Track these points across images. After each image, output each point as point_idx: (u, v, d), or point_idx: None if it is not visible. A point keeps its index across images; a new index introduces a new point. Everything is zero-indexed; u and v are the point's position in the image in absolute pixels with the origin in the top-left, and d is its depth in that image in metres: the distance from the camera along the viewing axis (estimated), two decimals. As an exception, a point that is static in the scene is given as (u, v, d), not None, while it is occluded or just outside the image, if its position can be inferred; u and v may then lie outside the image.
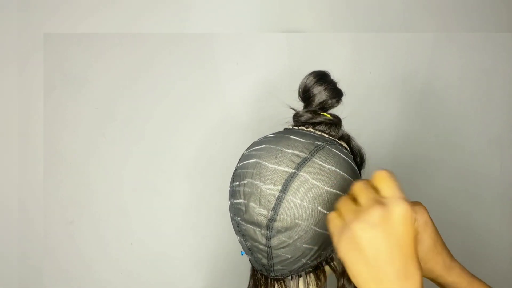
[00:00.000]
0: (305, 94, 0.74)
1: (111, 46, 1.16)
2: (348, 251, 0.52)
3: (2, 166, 1.15)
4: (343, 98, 0.75)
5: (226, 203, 1.12)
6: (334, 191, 0.63)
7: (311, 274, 0.69)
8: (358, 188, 0.55)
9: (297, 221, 0.62)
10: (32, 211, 1.16)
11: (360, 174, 0.74)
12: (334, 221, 0.56)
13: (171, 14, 1.17)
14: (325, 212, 0.63)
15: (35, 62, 1.15)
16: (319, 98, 0.72)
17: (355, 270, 0.52)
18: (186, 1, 1.17)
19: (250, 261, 0.74)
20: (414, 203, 0.66)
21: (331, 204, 0.63)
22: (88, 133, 1.17)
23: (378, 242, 0.50)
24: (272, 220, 0.62)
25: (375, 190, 0.55)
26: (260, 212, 0.63)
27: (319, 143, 0.67)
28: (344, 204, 0.56)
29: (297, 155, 0.64)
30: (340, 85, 0.75)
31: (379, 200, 0.52)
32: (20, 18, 1.13)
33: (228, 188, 0.73)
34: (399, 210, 0.51)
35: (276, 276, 0.68)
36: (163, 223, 1.20)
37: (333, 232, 0.55)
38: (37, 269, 1.17)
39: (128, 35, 1.16)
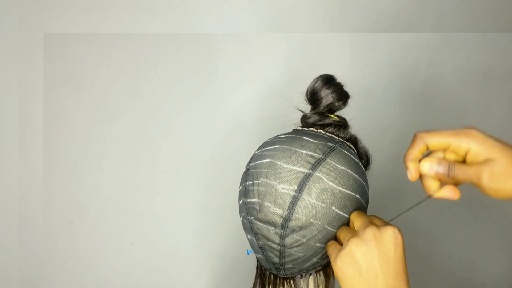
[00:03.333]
0: (313, 97, 0.75)
1: (111, 46, 1.16)
2: (344, 266, 0.59)
3: (2, 166, 1.15)
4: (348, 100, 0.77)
5: (227, 203, 1.13)
6: (347, 191, 0.65)
7: (321, 272, 0.70)
8: (355, 215, 0.64)
9: (311, 220, 0.63)
10: (32, 211, 1.16)
11: None
12: (332, 246, 0.63)
13: (171, 14, 1.17)
14: (338, 211, 0.64)
15: (35, 62, 1.14)
16: (326, 100, 0.74)
17: (349, 283, 0.59)
18: (186, 1, 1.18)
19: (259, 260, 0.74)
20: (464, 134, 0.59)
21: (344, 204, 0.65)
22: (88, 133, 1.17)
23: (371, 257, 0.58)
24: (287, 219, 0.63)
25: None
26: (275, 211, 0.64)
27: (331, 144, 0.68)
28: (342, 230, 0.64)
29: (311, 156, 0.65)
30: (345, 88, 0.77)
31: (371, 222, 0.60)
32: (20, 18, 1.13)
33: (234, 188, 0.74)
34: (389, 231, 0.59)
35: (286, 274, 0.69)
36: (163, 223, 1.21)
37: (331, 254, 0.62)
38: (37, 269, 1.16)
39: (128, 35, 1.16)
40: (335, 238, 0.66)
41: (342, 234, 0.63)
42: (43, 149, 1.15)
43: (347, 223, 0.66)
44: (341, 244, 0.63)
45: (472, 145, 0.59)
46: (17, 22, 1.13)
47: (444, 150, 0.62)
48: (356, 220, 0.63)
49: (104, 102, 1.17)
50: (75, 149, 1.17)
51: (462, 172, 0.59)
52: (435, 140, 0.61)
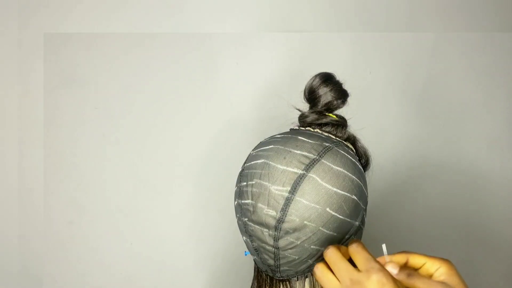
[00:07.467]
0: (311, 95, 0.74)
1: (111, 46, 1.16)
2: None
3: (2, 166, 1.15)
4: (348, 99, 0.76)
5: (226, 203, 1.12)
6: (342, 192, 0.64)
7: None
8: (332, 261, 0.60)
9: (305, 222, 0.62)
10: (32, 211, 1.16)
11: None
12: (325, 276, 0.60)
13: (171, 14, 1.17)
14: (333, 213, 0.63)
15: (35, 62, 1.14)
16: (324, 99, 0.73)
17: None
18: (187, 1, 1.17)
19: (255, 261, 0.74)
20: (440, 259, 0.62)
21: (339, 206, 0.64)
22: (88, 133, 1.17)
23: None
24: (280, 221, 0.62)
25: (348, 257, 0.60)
26: (269, 213, 0.63)
27: (327, 144, 0.67)
28: (327, 281, 0.60)
29: (305, 156, 0.64)
30: (344, 86, 0.76)
31: (353, 278, 0.56)
32: (20, 18, 1.13)
33: (233, 188, 0.73)
34: (372, 281, 0.54)
35: (282, 277, 0.69)
36: (163, 223, 1.20)
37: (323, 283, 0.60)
38: (37, 269, 1.16)
39: (128, 35, 1.16)
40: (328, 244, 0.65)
41: (326, 284, 0.60)
42: (43, 149, 1.16)
43: (342, 225, 0.65)
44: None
45: (442, 269, 0.61)
46: (17, 22, 1.13)
47: (417, 268, 0.64)
48: (335, 269, 0.60)
49: (104, 102, 1.17)
50: (75, 149, 1.17)
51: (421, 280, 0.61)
52: (416, 259, 0.63)
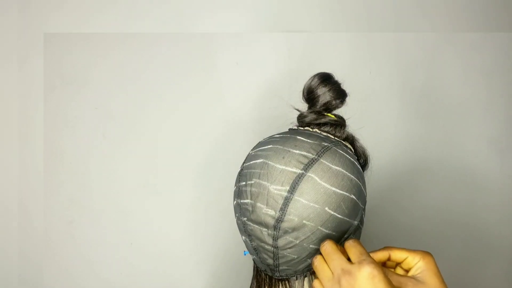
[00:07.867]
0: (310, 95, 0.74)
1: (111, 46, 1.16)
2: None
3: (2, 166, 1.15)
4: (346, 99, 0.76)
5: (227, 203, 1.13)
6: (341, 192, 0.64)
7: None
8: (327, 252, 0.61)
9: (304, 221, 0.62)
10: (32, 211, 1.16)
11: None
12: (322, 270, 0.61)
13: (171, 14, 1.17)
14: (332, 213, 0.63)
15: (35, 62, 1.15)
16: (323, 99, 0.73)
17: None
18: (186, 1, 1.18)
19: (254, 261, 0.74)
20: (421, 252, 0.64)
21: (338, 205, 0.64)
22: (88, 133, 1.17)
23: None
24: (279, 220, 0.63)
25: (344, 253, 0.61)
26: (268, 212, 0.63)
27: (325, 144, 0.67)
28: (321, 271, 0.61)
29: (304, 156, 0.65)
30: (343, 86, 0.76)
31: (344, 268, 0.58)
32: (20, 18, 1.13)
33: (232, 188, 0.74)
34: (363, 272, 0.56)
35: (281, 276, 0.69)
36: (163, 223, 1.20)
37: (319, 274, 0.61)
38: (37, 269, 1.17)
39: (128, 35, 1.16)
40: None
41: (322, 276, 0.61)
42: (43, 149, 1.16)
43: (341, 224, 0.65)
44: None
45: (419, 263, 0.63)
46: (17, 22, 1.13)
47: (399, 263, 0.66)
48: (328, 261, 0.61)
49: (104, 102, 1.17)
50: (75, 149, 1.17)
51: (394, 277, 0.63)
52: (397, 254, 0.65)
